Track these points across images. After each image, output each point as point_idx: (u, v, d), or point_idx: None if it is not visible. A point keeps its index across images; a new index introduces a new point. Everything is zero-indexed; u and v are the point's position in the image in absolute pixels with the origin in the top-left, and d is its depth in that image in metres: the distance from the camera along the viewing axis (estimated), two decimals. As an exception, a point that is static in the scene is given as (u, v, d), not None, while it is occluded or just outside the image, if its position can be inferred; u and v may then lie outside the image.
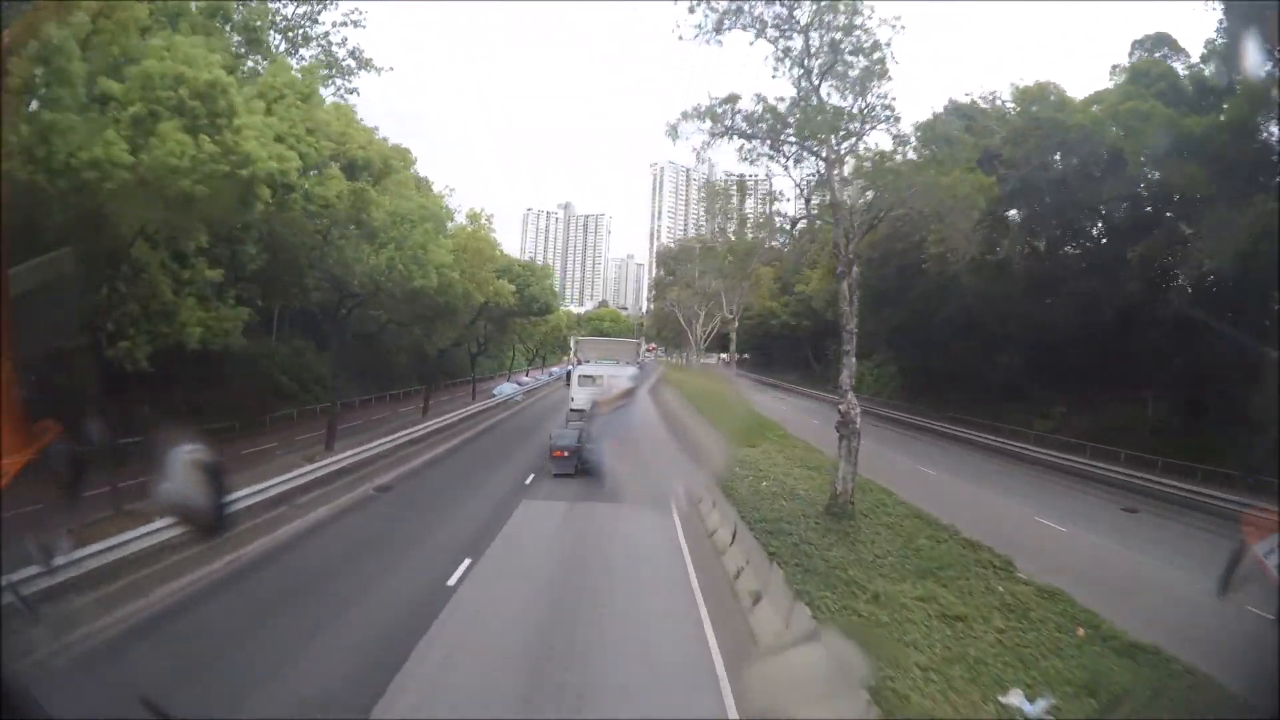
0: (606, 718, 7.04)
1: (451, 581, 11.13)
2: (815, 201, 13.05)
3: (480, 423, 31.55)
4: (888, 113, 12.80)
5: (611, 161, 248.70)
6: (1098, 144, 27.25)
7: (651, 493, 16.89)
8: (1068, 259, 35.35)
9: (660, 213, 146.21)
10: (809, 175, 12.97)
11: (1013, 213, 33.21)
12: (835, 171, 12.14)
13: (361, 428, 29.16)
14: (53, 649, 7.71)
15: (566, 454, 19.27)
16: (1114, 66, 30.25)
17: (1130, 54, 29.72)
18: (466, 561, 12.02)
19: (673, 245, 78.01)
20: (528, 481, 18.98)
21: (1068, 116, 27.77)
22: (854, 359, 12.52)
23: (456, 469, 21.28)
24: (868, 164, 12.42)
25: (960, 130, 17.55)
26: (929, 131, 12.51)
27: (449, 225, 27.25)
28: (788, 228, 14.12)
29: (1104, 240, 31.49)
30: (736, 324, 25.57)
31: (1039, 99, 28.69)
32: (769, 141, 12.53)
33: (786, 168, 12.73)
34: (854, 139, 12.31)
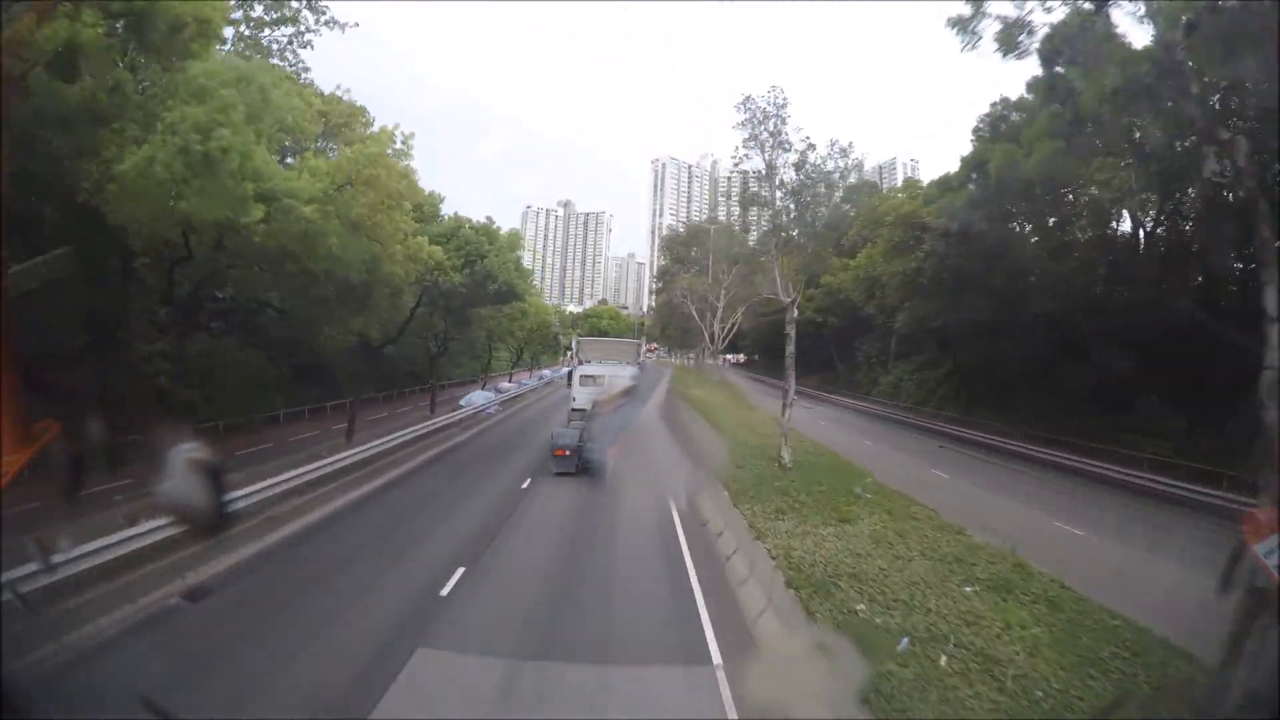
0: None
1: None
2: None
3: (426, 449, 23.44)
4: None
5: (611, 162, 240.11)
6: None
7: (674, 638, 9.07)
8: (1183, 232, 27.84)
9: (662, 210, 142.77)
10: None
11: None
12: None
13: (265, 455, 21.38)
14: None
15: (568, 453, 19.39)
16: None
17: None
18: None
19: (680, 228, 69.71)
20: (446, 590, 10.31)
21: None
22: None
23: (342, 548, 12.91)
24: None
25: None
26: None
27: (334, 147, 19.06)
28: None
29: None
30: (796, 313, 16.71)
31: None
32: None
33: None
34: None
